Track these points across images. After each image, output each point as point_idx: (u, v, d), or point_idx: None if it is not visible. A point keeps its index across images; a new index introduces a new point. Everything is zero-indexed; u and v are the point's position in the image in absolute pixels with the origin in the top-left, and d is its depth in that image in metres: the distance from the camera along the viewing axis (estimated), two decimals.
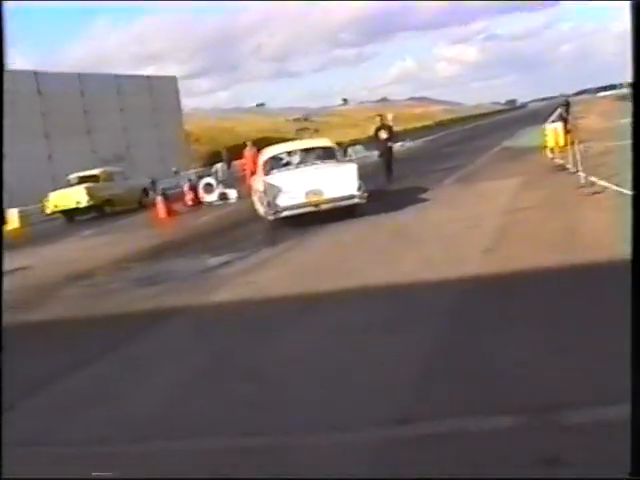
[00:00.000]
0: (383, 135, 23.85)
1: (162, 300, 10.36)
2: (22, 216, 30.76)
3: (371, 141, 35.53)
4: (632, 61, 2.82)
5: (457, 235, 11.87)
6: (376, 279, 9.30)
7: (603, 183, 13.98)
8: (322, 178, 16.06)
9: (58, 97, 47.23)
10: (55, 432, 5.54)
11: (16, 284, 14.15)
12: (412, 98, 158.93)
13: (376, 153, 25.07)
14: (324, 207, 15.71)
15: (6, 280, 14.42)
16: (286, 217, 15.77)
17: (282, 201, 15.72)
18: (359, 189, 15.75)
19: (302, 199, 15.71)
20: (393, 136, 25.09)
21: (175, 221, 22.31)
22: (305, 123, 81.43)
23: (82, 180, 29.07)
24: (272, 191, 15.84)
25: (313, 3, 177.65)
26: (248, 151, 29.07)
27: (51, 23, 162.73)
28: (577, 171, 16.21)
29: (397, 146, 47.77)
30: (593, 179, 14.68)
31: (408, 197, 17.86)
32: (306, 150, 17.87)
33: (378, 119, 24.96)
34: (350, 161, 18.13)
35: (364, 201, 15.82)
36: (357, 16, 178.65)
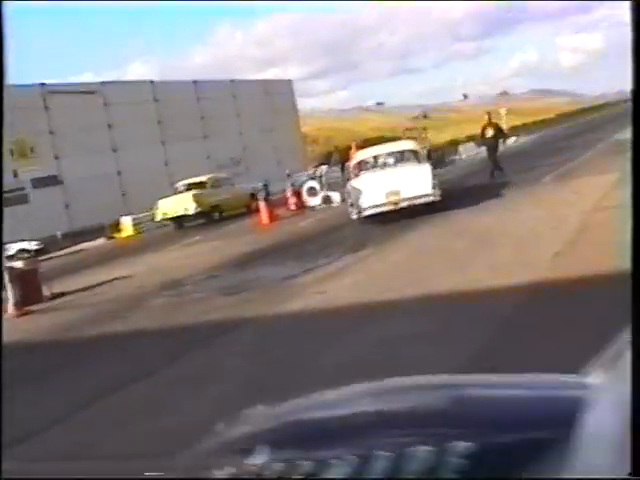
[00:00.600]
0: (490, 132, 23.92)
1: (237, 310, 10.32)
2: (136, 224, 31.58)
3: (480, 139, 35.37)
4: (632, 61, 2.60)
5: (534, 237, 11.45)
6: (442, 286, 8.93)
7: None
8: (399, 179, 17.49)
9: (174, 105, 48.18)
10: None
11: (110, 295, 14.60)
12: (533, 90, 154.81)
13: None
14: (402, 205, 17.09)
15: (103, 290, 15.26)
16: (368, 216, 17.20)
17: (364, 201, 17.20)
18: (433, 188, 17.08)
19: (382, 199, 17.12)
20: (500, 134, 25.06)
21: (275, 227, 22.23)
22: (423, 121, 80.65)
23: (190, 187, 29.50)
24: (355, 192, 17.52)
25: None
26: (354, 152, 28.75)
27: (172, 30, 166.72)
28: None
29: (510, 142, 46.79)
30: None
31: (499, 196, 17.84)
32: (390, 153, 19.28)
33: (486, 117, 24.87)
34: (427, 163, 18.49)
35: (438, 199, 17.01)
36: (476, 9, 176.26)
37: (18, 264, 16.00)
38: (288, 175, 34.79)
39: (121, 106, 45.25)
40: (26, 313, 14.31)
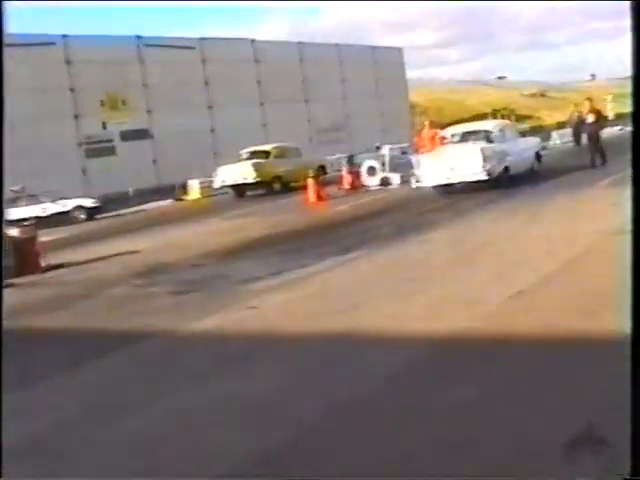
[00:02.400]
0: (590, 119, 22.92)
1: (160, 317, 9.04)
2: (203, 187, 30.63)
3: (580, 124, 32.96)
4: (632, 61, 2.79)
5: (510, 264, 9.70)
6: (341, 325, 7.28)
7: None
8: (456, 157, 18.95)
9: (276, 65, 46.91)
10: None
11: (93, 273, 13.61)
12: None
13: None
14: (455, 181, 18.99)
15: (97, 266, 14.26)
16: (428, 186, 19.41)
17: (424, 173, 19.47)
18: (484, 168, 18.35)
19: (440, 173, 18.92)
20: (600, 121, 23.62)
21: (319, 207, 20.75)
22: (540, 99, 76.85)
23: (253, 155, 28.17)
24: (418, 164, 20.05)
25: None
26: (426, 132, 26.89)
27: None
28: None
29: (615, 130, 43.44)
30: None
31: (536, 199, 16.41)
32: (468, 132, 20.50)
33: (586, 103, 24.06)
34: (489, 143, 19.48)
35: (487, 178, 18.44)
36: None
37: (14, 232, 15.04)
38: (377, 147, 32.86)
39: (220, 64, 44.30)
40: None
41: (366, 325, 7.36)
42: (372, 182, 23.85)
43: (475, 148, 18.83)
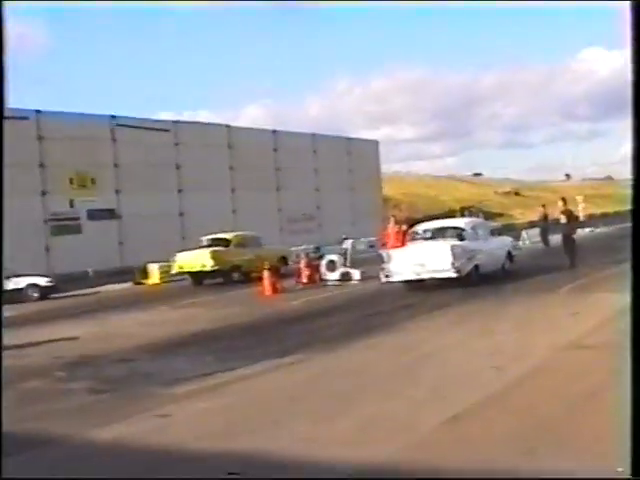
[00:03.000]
0: (563, 219, 23.26)
1: (59, 423, 8.35)
2: (163, 272, 30.03)
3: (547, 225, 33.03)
4: (632, 61, 2.94)
5: (480, 374, 9.13)
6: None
7: None
8: (426, 254, 18.94)
9: (249, 152, 46.90)
10: None
11: (21, 362, 12.91)
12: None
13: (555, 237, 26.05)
14: (425, 277, 18.91)
15: (30, 352, 13.57)
16: (396, 281, 19.23)
17: (393, 268, 19.22)
18: (453, 266, 18.33)
19: (409, 269, 18.89)
20: (572, 221, 23.91)
21: (272, 300, 20.21)
22: (514, 197, 77.42)
23: (213, 242, 27.69)
24: (388, 258, 19.57)
25: (552, 75, 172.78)
26: (391, 227, 26.64)
27: (292, 77, 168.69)
28: None
29: (586, 232, 43.51)
30: None
31: (498, 301, 16.12)
32: (439, 229, 20.57)
33: (560, 203, 23.97)
34: (460, 240, 19.52)
35: (456, 275, 18.36)
36: (596, 90, 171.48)
37: None
38: (344, 239, 32.36)
39: (193, 147, 44.26)
40: None
41: (282, 448, 6.71)
42: (332, 276, 23.33)
43: (445, 245, 18.87)
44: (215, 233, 29.08)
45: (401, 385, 8.95)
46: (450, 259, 18.40)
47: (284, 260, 28.74)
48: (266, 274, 21.45)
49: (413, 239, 20.66)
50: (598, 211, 68.53)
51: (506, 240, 23.25)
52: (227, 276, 26.48)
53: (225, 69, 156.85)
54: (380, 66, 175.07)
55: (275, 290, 21.18)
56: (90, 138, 39.63)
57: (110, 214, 40.41)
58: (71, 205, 38.92)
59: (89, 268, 34.09)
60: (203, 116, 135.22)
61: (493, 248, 20.80)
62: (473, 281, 18.75)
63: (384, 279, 19.51)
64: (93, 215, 39.48)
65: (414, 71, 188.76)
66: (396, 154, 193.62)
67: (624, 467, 2.88)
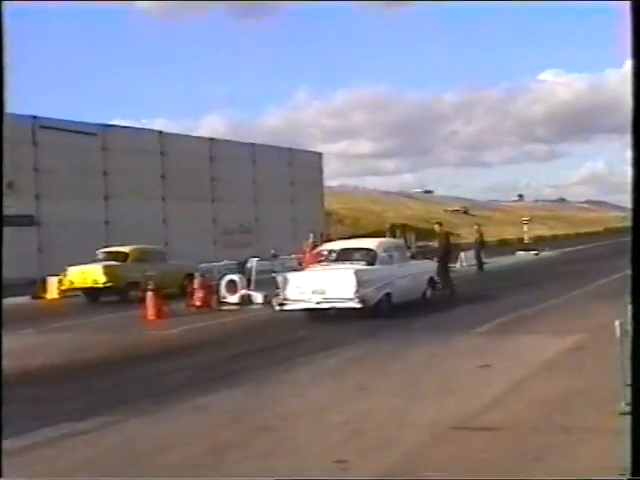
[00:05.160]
0: (437, 245, 23.55)
1: None
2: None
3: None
4: (632, 61, 2.95)
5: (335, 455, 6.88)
6: None
7: None
8: (327, 279, 16.74)
9: (183, 160, 44.83)
10: None
11: None
12: (589, 201, 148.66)
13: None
14: (325, 306, 16.61)
15: None
16: (292, 310, 17.06)
17: (289, 294, 16.92)
18: (356, 295, 16.06)
19: (307, 295, 16.59)
20: (448, 246, 23.72)
21: (152, 326, 18.13)
22: (462, 216, 75.79)
23: (108, 256, 25.49)
24: (284, 283, 17.10)
25: (512, 95, 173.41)
26: (307, 245, 24.88)
27: (252, 87, 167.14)
28: None
29: (530, 255, 42.04)
30: None
31: (399, 344, 13.49)
32: (346, 250, 18.22)
33: (436, 227, 24.23)
34: (368, 264, 17.52)
35: (359, 305, 16.12)
36: (555, 112, 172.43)
37: None
38: (274, 255, 30.24)
39: (122, 153, 42.06)
40: None
41: None
42: (231, 299, 21.23)
43: (348, 270, 16.61)
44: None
45: (206, 471, 6.87)
46: (353, 286, 16.14)
47: (190, 276, 26.62)
48: (149, 296, 19.26)
49: (317, 261, 18.58)
50: (549, 233, 67.52)
51: (428, 264, 21.33)
52: (123, 294, 24.23)
53: (185, 77, 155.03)
54: (341, 80, 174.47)
55: (159, 314, 19.08)
56: (9, 139, 37.29)
57: (27, 220, 38.07)
58: None
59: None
60: (160, 124, 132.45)
61: (412, 274, 18.74)
62: (383, 312, 16.73)
63: (277, 307, 17.23)
64: (9, 221, 37.16)
65: (375, 86, 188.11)
66: (352, 168, 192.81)
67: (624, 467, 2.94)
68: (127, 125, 46.00)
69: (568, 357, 11.41)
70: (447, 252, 22.65)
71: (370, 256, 17.64)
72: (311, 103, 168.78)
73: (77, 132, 40.85)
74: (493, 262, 35.24)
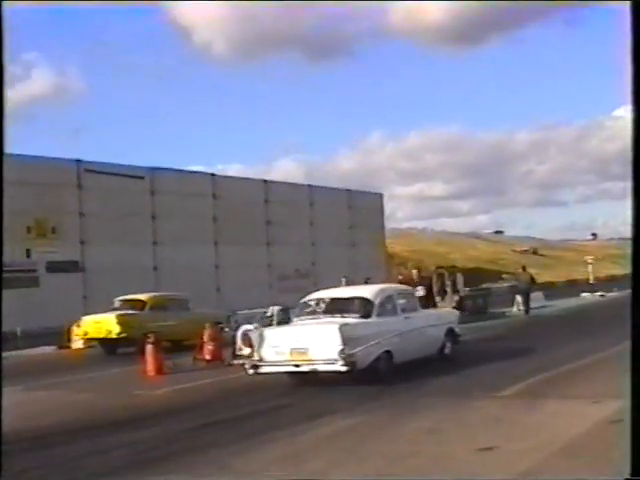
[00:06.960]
0: (420, 292, 23.33)
1: None
2: None
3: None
4: (632, 61, 2.86)
5: None
6: None
7: None
8: (309, 336, 14.09)
9: (236, 203, 43.51)
10: None
11: None
12: None
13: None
14: (305, 369, 13.85)
15: None
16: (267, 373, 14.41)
17: (265, 354, 14.34)
18: (341, 355, 13.28)
19: (287, 357, 14.00)
20: (429, 293, 25.24)
21: (148, 384, 16.30)
22: (532, 256, 72.51)
23: (123, 305, 23.80)
24: (259, 341, 14.57)
25: (587, 133, 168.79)
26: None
27: (325, 132, 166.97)
28: None
29: (595, 296, 39.31)
30: None
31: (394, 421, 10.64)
32: (336, 300, 15.39)
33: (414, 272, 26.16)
34: (364, 317, 14.73)
35: (345, 368, 13.28)
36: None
37: None
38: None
39: (171, 196, 40.86)
40: None
41: None
42: (245, 352, 19.10)
43: (332, 325, 13.87)
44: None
45: None
46: (338, 345, 13.37)
47: (218, 325, 24.74)
48: (149, 349, 17.44)
49: (300, 314, 15.63)
50: (622, 272, 63.81)
51: (447, 313, 18.73)
52: (140, 345, 22.47)
53: (258, 122, 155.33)
54: (413, 122, 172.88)
55: (159, 370, 17.23)
56: (53, 183, 36.50)
57: (72, 266, 37.07)
58: (28, 255, 35.61)
59: (17, 327, 30.49)
60: (235, 169, 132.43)
61: (423, 326, 15.92)
62: (381, 374, 14.02)
63: (250, 371, 14.38)
64: (52, 267, 36.16)
65: (448, 128, 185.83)
66: (426, 210, 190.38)
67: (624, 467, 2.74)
68: (175, 168, 44.57)
69: (601, 434, 9.05)
70: (429, 300, 24.05)
71: (365, 307, 14.86)
72: (384, 145, 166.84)
73: (123, 175, 39.82)
74: (552, 305, 32.92)
